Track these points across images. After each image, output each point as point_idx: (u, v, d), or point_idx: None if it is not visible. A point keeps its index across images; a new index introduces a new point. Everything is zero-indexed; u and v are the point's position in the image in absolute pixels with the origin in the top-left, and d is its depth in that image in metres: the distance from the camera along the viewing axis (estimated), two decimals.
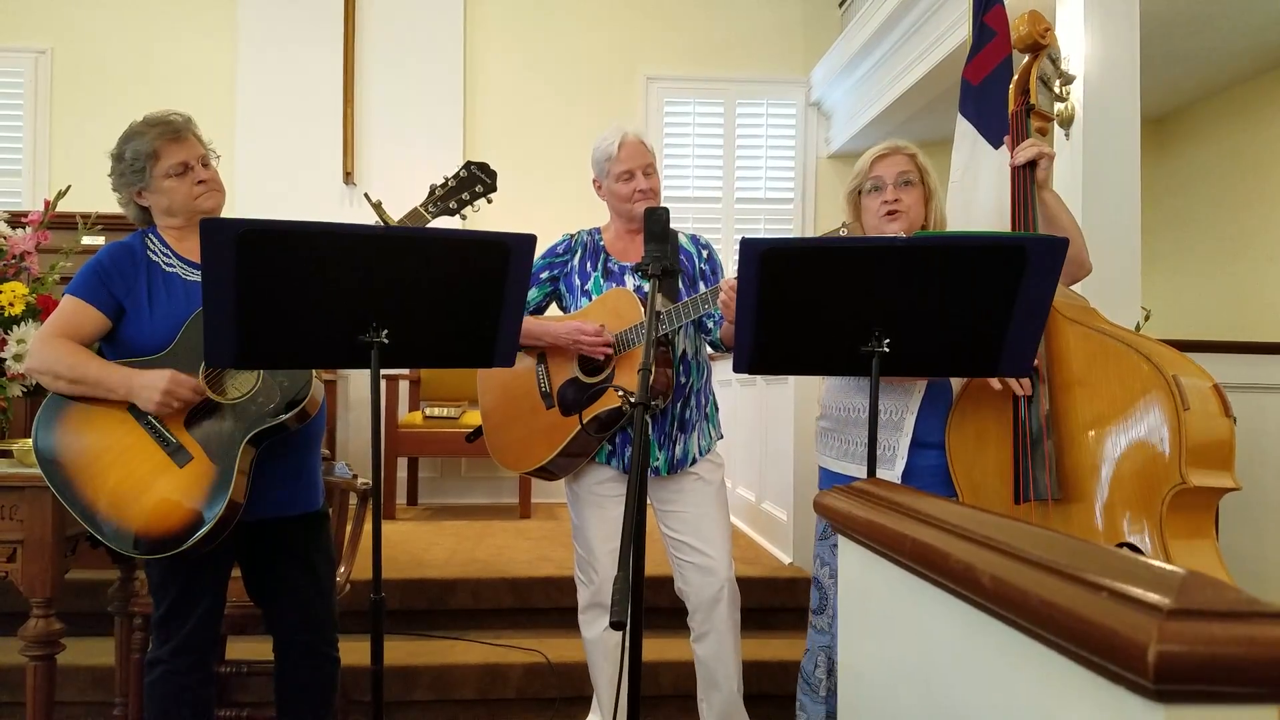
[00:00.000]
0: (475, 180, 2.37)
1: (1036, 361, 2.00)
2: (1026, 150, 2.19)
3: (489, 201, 2.40)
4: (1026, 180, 2.19)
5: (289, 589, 2.28)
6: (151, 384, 2.01)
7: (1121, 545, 1.88)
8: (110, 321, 2.12)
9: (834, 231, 2.38)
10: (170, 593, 2.15)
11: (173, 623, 2.15)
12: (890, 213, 2.26)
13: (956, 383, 2.21)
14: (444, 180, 2.37)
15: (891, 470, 2.23)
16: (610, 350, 2.48)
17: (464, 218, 2.41)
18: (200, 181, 2.16)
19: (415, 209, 2.33)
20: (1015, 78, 2.34)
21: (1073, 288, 2.27)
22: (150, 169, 2.13)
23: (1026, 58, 2.33)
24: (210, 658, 2.23)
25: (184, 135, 2.16)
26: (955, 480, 2.16)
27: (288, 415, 2.09)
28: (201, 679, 2.19)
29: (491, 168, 2.39)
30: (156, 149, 2.12)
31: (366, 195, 2.47)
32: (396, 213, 2.37)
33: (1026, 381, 2.02)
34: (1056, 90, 2.38)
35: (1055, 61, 2.36)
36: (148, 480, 2.05)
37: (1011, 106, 2.31)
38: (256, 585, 2.32)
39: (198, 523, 2.03)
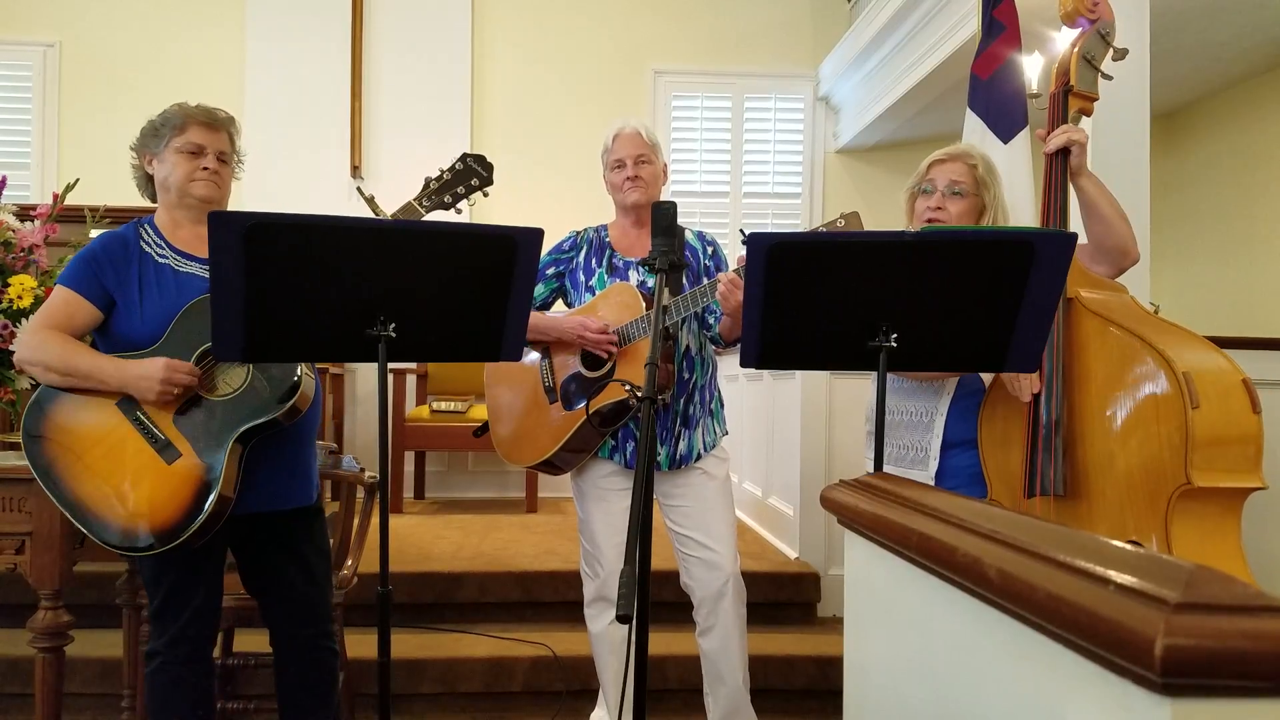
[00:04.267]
0: (471, 174, 2.31)
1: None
2: (1056, 137, 2.08)
3: (485, 195, 2.34)
4: (1057, 169, 2.09)
5: (282, 583, 2.26)
6: (148, 374, 2.00)
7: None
8: (101, 313, 2.11)
9: (831, 224, 2.35)
10: (164, 586, 2.15)
11: (167, 615, 2.15)
12: (930, 220, 2.20)
13: (987, 378, 2.18)
14: (439, 173, 2.32)
15: (925, 472, 2.22)
16: (614, 346, 2.48)
17: (459, 211, 2.34)
18: (205, 169, 2.16)
19: (409, 203, 2.28)
20: (1060, 55, 2.18)
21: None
22: (169, 138, 2.16)
23: (1077, 34, 2.16)
24: (208, 650, 2.22)
25: (216, 126, 2.20)
26: (986, 473, 2.13)
27: (278, 412, 2.07)
28: (199, 670, 2.19)
29: (488, 160, 2.33)
30: (184, 123, 2.17)
31: (360, 190, 2.43)
32: (390, 207, 2.31)
33: (1035, 379, 1.99)
34: (1104, 69, 2.16)
35: (1106, 37, 2.15)
36: (136, 477, 2.04)
37: (1051, 87, 2.16)
38: (251, 580, 2.31)
39: (187, 520, 2.02)
